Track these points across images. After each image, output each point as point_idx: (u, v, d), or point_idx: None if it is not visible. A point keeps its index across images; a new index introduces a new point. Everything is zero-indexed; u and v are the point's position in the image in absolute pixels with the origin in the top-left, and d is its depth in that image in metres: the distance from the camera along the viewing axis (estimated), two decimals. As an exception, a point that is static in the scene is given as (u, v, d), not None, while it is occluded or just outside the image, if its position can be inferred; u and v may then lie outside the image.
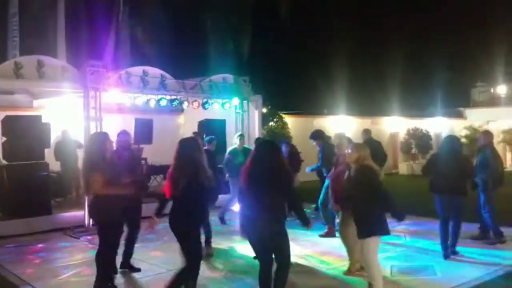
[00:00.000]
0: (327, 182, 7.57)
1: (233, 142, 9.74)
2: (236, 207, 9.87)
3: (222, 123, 11.94)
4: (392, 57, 25.24)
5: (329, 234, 7.89)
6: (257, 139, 8.78)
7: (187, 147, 4.84)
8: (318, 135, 8.77)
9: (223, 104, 11.42)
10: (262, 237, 4.50)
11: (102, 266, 5.40)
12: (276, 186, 4.47)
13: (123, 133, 6.53)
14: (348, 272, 6.06)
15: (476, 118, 23.68)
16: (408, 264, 6.48)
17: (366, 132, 10.35)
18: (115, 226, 5.43)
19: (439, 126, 23.29)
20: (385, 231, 5.00)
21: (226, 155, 9.40)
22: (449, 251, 6.65)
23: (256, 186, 4.50)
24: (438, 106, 25.04)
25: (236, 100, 11.51)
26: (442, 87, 26.17)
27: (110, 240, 5.40)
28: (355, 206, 5.12)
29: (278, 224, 4.52)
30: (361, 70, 25.80)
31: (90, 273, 6.18)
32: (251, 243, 4.65)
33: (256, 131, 11.99)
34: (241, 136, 9.62)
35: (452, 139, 6.90)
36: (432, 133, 21.94)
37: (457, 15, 26.13)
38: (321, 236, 7.93)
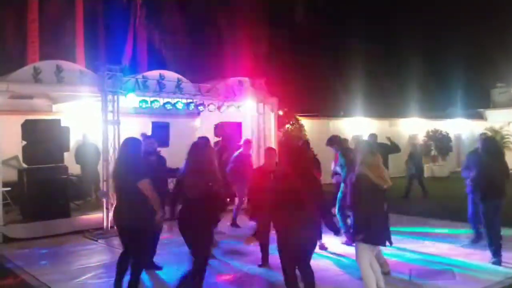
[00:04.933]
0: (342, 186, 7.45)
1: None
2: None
3: (238, 126, 11.94)
4: (411, 57, 24.99)
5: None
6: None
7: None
8: (334, 141, 8.46)
9: (239, 107, 11.42)
10: (303, 243, 4.49)
11: (136, 270, 5.25)
12: (314, 190, 4.52)
13: (149, 138, 6.58)
14: None
15: (497, 119, 23.27)
16: (427, 268, 6.38)
17: (371, 136, 10.09)
18: (147, 230, 5.33)
19: (459, 127, 22.94)
20: (368, 240, 4.88)
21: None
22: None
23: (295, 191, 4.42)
24: (457, 107, 24.69)
25: (252, 103, 11.50)
26: (461, 88, 25.78)
27: (144, 245, 5.32)
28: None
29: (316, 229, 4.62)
30: (378, 71, 25.59)
31: (108, 276, 6.24)
32: (288, 250, 4.55)
33: (272, 134, 11.95)
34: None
35: (492, 140, 6.81)
36: (452, 135, 21.61)
37: (477, 15, 25.75)
38: (343, 243, 7.58)
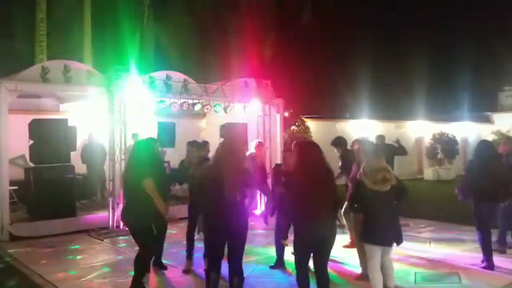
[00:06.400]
0: None
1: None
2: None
3: (243, 127, 11.94)
4: (417, 59, 24.92)
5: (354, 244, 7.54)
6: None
7: None
8: (338, 142, 8.36)
9: (245, 108, 11.43)
10: (322, 237, 4.52)
11: (140, 267, 5.37)
12: (332, 186, 4.65)
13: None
14: (360, 277, 5.96)
15: (504, 122, 23.15)
16: (433, 271, 6.35)
17: (379, 138, 9.95)
18: (147, 230, 5.41)
19: (466, 130, 22.84)
20: (371, 240, 4.97)
21: None
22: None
23: (318, 187, 4.53)
24: (464, 110, 24.59)
25: (257, 104, 11.50)
26: (468, 91, 25.69)
27: (145, 243, 5.39)
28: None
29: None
30: (385, 73, 25.55)
31: (113, 275, 6.28)
32: (308, 246, 4.58)
33: (277, 135, 11.95)
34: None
35: (489, 144, 6.79)
36: (458, 138, 21.52)
37: (483, 17, 25.65)
38: (345, 247, 7.44)
